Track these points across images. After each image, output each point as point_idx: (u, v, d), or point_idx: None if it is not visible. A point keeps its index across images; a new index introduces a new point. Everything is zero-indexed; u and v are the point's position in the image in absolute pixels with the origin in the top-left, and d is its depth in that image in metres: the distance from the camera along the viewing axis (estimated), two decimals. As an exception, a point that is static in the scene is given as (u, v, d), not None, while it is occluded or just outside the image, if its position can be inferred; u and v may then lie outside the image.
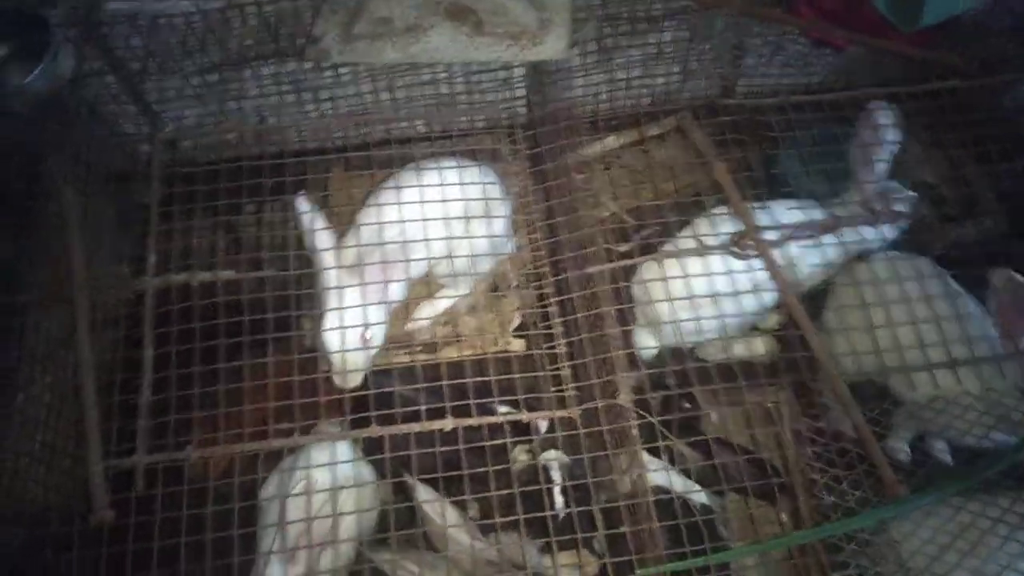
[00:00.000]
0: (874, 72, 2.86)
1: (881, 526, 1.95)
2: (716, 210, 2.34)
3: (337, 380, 2.13)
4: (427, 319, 2.66)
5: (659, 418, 1.91)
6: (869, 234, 2.30)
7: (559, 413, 1.93)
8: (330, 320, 2.09)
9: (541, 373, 2.00)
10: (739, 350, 2.58)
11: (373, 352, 2.18)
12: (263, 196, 2.29)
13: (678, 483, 2.23)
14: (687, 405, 2.35)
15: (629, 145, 3.11)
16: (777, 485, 1.97)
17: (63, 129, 2.39)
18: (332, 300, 2.10)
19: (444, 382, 1.98)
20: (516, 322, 2.88)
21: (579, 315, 2.03)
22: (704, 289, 2.10)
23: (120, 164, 2.70)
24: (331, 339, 2.08)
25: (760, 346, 2.73)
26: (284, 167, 2.33)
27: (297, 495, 1.99)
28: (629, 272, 2.24)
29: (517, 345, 2.80)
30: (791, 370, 2.03)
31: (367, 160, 2.79)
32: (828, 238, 2.15)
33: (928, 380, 2.05)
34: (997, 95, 2.71)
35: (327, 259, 2.14)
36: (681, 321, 2.07)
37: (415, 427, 1.88)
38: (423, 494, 2.15)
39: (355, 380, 2.15)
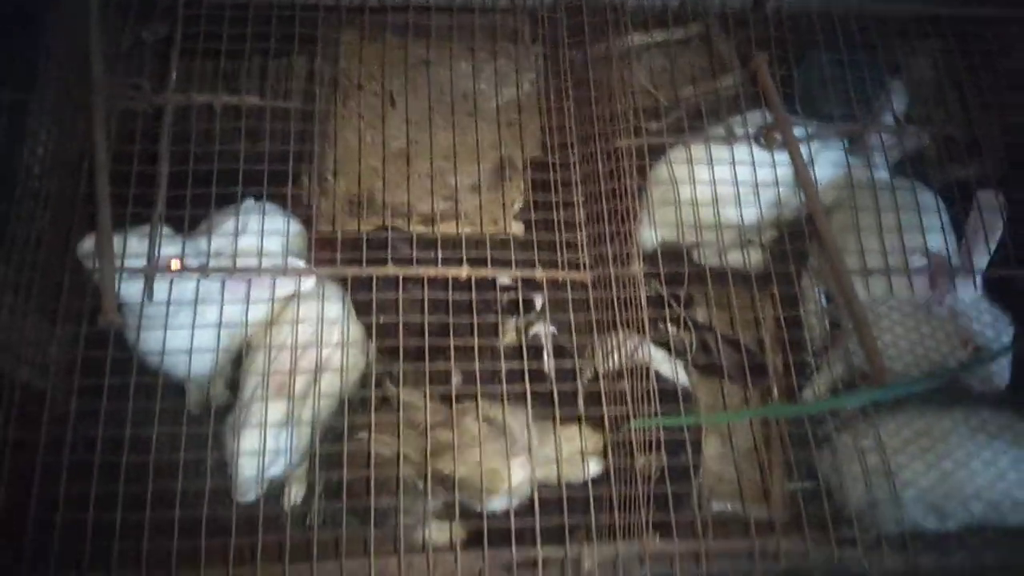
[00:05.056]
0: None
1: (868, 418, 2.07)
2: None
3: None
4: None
5: (667, 288, 1.96)
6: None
7: (573, 275, 1.97)
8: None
9: (539, 255, 2.02)
10: (735, 258, 2.65)
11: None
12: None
13: (666, 366, 2.31)
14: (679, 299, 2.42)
15: (654, 46, 3.10)
16: (752, 366, 2.05)
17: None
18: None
19: (440, 254, 1.99)
20: (518, 205, 2.91)
21: (602, 186, 2.06)
22: (725, 184, 2.14)
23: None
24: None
25: (756, 256, 2.80)
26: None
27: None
28: (656, 152, 2.26)
29: (517, 229, 2.83)
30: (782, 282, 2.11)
31: (382, 27, 2.72)
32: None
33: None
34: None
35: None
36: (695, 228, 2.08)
37: (426, 271, 1.89)
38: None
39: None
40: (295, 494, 2.36)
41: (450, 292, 1.94)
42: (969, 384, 2.18)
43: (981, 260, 2.17)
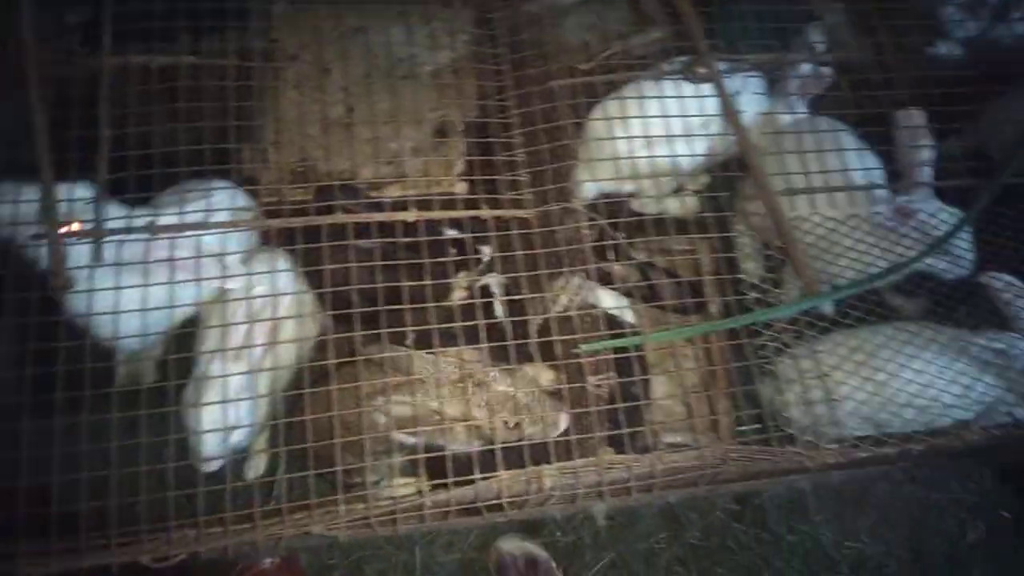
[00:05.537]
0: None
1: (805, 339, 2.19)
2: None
3: None
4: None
5: (609, 220, 2.05)
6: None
7: (517, 212, 2.04)
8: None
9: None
10: (673, 205, 2.75)
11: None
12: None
13: (610, 300, 2.40)
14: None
15: (582, 3, 3.18)
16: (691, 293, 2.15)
17: None
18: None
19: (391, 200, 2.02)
20: (460, 166, 2.96)
21: (539, 126, 2.13)
22: (658, 124, 2.22)
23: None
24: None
25: (692, 201, 2.91)
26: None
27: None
28: (589, 89, 2.34)
29: (460, 188, 2.89)
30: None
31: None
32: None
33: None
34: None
35: None
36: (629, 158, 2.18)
37: (376, 216, 1.94)
38: None
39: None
40: (258, 465, 2.39)
41: (400, 238, 1.98)
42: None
43: (922, 173, 2.31)
